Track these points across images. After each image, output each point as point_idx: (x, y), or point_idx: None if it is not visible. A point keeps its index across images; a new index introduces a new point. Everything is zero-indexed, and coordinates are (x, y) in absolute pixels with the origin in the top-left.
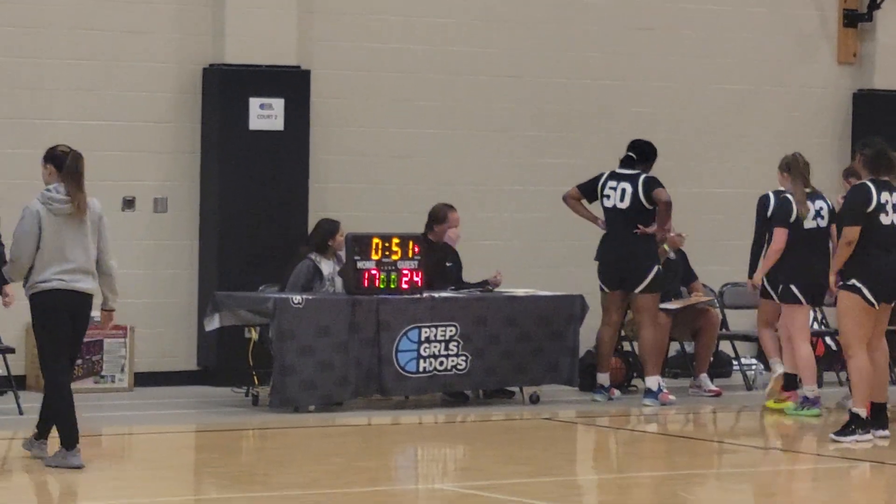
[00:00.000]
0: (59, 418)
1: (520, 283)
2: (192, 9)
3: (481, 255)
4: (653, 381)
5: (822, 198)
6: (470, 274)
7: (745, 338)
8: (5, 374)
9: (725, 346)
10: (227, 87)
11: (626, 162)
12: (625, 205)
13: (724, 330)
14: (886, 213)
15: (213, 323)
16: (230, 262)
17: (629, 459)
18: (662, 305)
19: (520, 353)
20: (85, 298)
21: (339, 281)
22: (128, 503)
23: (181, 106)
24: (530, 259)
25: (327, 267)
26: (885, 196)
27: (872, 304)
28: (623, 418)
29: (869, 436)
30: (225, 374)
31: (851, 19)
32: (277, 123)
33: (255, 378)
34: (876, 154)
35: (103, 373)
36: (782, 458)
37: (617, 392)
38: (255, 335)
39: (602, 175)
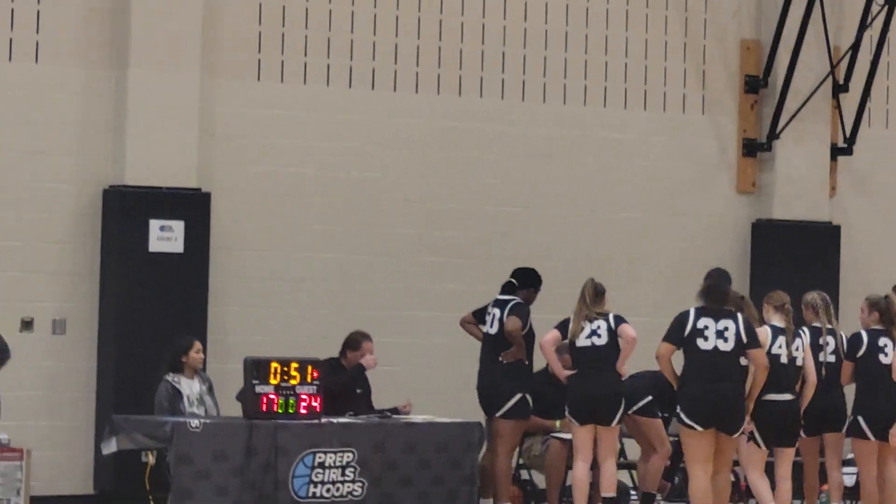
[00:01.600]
0: None
1: (419, 409)
2: (92, 130)
3: (381, 379)
4: None
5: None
6: (374, 399)
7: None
8: None
9: None
10: (127, 209)
11: (506, 288)
12: (493, 330)
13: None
14: (706, 339)
15: (111, 446)
16: (127, 385)
17: None
18: (556, 434)
19: (419, 481)
20: None
21: (208, 401)
22: None
23: (81, 227)
24: (429, 384)
25: (187, 386)
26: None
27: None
28: None
29: None
30: (122, 498)
31: (751, 149)
32: (177, 246)
33: (153, 502)
34: (708, 288)
35: None
36: None
37: None
38: (152, 459)
39: (490, 302)
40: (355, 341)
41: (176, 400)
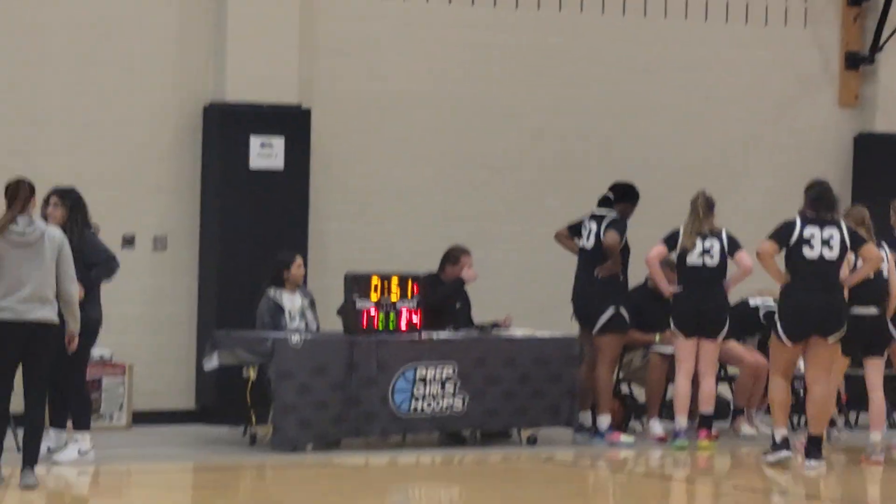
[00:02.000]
0: None
1: (518, 323)
2: (193, 46)
3: (480, 294)
4: (602, 421)
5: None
6: (473, 313)
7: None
8: None
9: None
10: (227, 126)
11: (603, 202)
12: (590, 245)
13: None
14: (812, 247)
15: (212, 362)
16: (229, 301)
17: (627, 502)
18: (656, 348)
19: (520, 394)
20: (38, 328)
21: (309, 315)
22: None
23: (181, 144)
24: (529, 299)
25: (289, 301)
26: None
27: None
28: (621, 460)
29: (783, 453)
30: (223, 413)
31: (853, 61)
32: (277, 162)
33: (253, 417)
34: (818, 195)
35: (101, 411)
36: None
37: (623, 436)
38: (253, 374)
39: (586, 215)
40: (454, 256)
41: (277, 314)
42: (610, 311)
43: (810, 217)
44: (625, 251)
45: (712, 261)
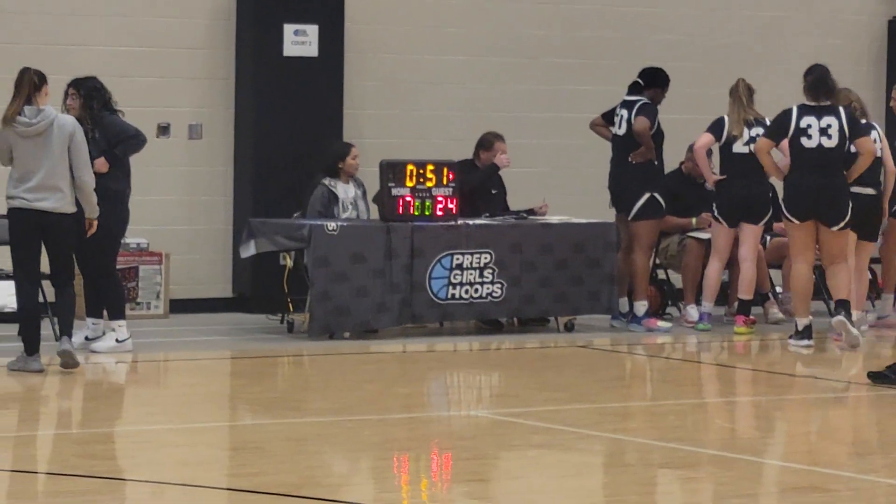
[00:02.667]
0: (22, 326)
1: (554, 210)
2: None
3: (515, 180)
4: (639, 307)
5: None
6: (509, 200)
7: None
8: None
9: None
10: (260, 13)
11: (632, 88)
12: (622, 131)
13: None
14: (809, 137)
15: (249, 250)
16: (265, 189)
17: (664, 387)
18: (692, 234)
19: (557, 281)
20: (51, 217)
21: (361, 205)
22: (162, 429)
23: (215, 32)
24: (564, 185)
25: (343, 191)
26: (806, 119)
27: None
28: (659, 346)
29: (803, 342)
30: (260, 300)
31: None
32: (312, 50)
33: (291, 305)
34: (815, 80)
35: (139, 299)
36: (814, 385)
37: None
38: (290, 262)
39: (619, 102)
40: (488, 141)
41: (332, 204)
42: (645, 197)
43: (808, 105)
44: (658, 136)
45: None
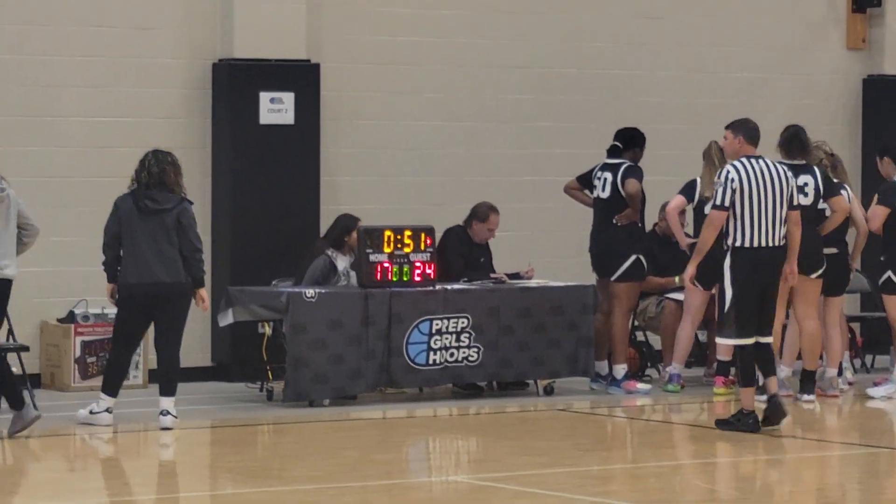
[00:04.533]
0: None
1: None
2: (200, 3)
3: (495, 244)
4: (619, 370)
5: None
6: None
7: None
8: (20, 371)
9: None
10: (237, 82)
11: (612, 151)
12: (606, 194)
13: None
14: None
15: (227, 318)
16: (243, 257)
17: (644, 449)
18: (670, 296)
19: (535, 344)
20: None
21: (353, 275)
22: (144, 499)
23: (191, 101)
24: (543, 249)
25: (343, 262)
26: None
27: None
28: (638, 408)
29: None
30: (239, 369)
31: (860, 4)
32: (288, 117)
33: (270, 373)
34: (789, 137)
35: None
36: (795, 445)
37: (640, 384)
38: (268, 330)
39: (596, 165)
40: (483, 213)
41: (331, 275)
42: (631, 259)
43: (784, 164)
44: (641, 198)
45: None
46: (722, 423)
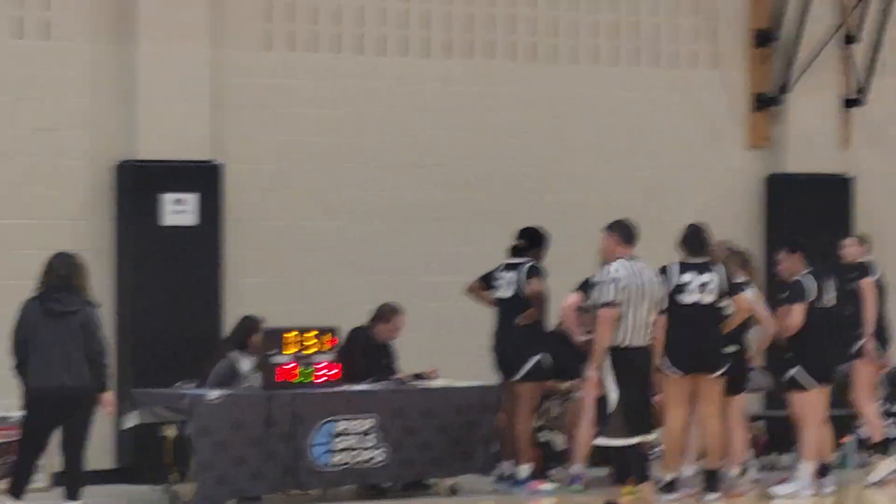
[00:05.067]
0: None
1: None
2: (104, 105)
3: (398, 344)
4: (522, 470)
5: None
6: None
7: None
8: None
9: None
10: (140, 183)
11: (514, 250)
12: (508, 294)
13: None
14: (689, 293)
15: (131, 420)
16: (146, 359)
17: None
18: (575, 395)
19: (437, 444)
20: None
21: (255, 375)
22: None
23: (94, 202)
24: (447, 349)
25: (246, 364)
26: (687, 276)
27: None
28: None
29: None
30: (144, 471)
31: (763, 103)
32: (191, 218)
33: (174, 475)
34: (690, 235)
35: None
36: None
37: (544, 484)
38: (172, 432)
39: (499, 266)
40: (387, 314)
41: (234, 377)
42: (534, 359)
43: (687, 263)
44: (544, 298)
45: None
46: None
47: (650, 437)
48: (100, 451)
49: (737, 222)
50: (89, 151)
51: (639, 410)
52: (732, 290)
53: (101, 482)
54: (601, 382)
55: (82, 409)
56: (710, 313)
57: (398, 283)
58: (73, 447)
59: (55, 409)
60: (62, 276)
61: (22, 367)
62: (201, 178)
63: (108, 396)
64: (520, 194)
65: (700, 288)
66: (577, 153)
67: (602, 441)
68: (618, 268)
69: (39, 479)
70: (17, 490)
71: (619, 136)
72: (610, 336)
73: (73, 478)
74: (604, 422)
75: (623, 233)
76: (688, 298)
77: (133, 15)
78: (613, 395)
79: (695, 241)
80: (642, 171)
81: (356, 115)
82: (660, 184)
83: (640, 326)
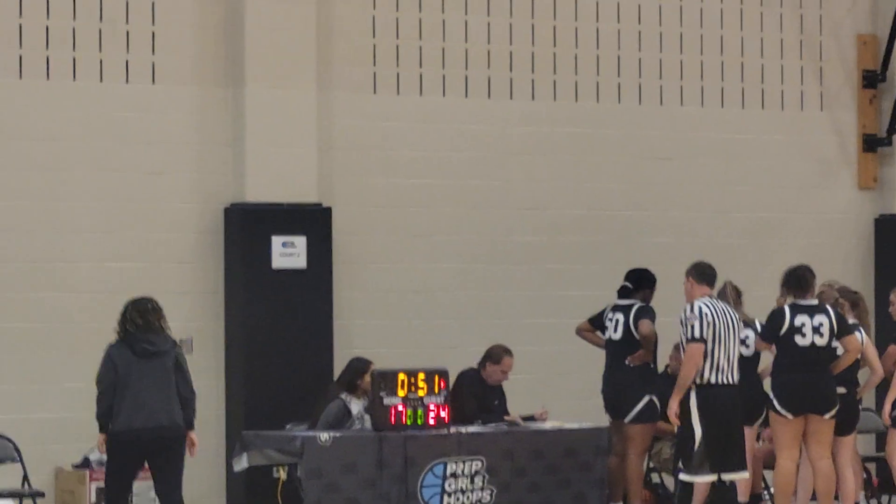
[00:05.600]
0: None
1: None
2: (212, 148)
3: (509, 386)
4: None
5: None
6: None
7: None
8: None
9: None
10: (248, 226)
11: (622, 292)
12: (618, 336)
13: None
14: (803, 335)
15: (242, 463)
16: (256, 401)
17: None
18: None
19: (546, 486)
20: None
21: (367, 419)
22: None
23: (203, 246)
24: (557, 391)
25: (356, 406)
26: (800, 318)
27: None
28: None
29: None
30: None
31: (871, 144)
32: (300, 261)
33: None
34: (797, 279)
35: None
36: None
37: None
38: (283, 474)
39: (607, 307)
40: (497, 355)
41: (345, 419)
42: (645, 400)
43: (799, 304)
44: (654, 339)
45: (748, 350)
46: None
47: (737, 476)
48: (211, 493)
49: (845, 263)
50: (198, 195)
51: (723, 447)
52: (844, 330)
53: None
54: (683, 417)
55: (175, 450)
56: (823, 355)
57: (505, 325)
58: (173, 489)
59: (148, 450)
60: (146, 318)
61: (108, 414)
62: (309, 220)
63: (193, 436)
64: (625, 237)
65: (814, 330)
66: (684, 195)
67: (685, 477)
68: (700, 305)
69: None
70: None
71: (727, 178)
72: (695, 372)
73: None
74: (686, 457)
75: (697, 273)
76: (803, 341)
77: (240, 58)
78: (698, 431)
79: (802, 282)
80: (751, 213)
81: (462, 158)
82: (767, 227)
83: (726, 364)
